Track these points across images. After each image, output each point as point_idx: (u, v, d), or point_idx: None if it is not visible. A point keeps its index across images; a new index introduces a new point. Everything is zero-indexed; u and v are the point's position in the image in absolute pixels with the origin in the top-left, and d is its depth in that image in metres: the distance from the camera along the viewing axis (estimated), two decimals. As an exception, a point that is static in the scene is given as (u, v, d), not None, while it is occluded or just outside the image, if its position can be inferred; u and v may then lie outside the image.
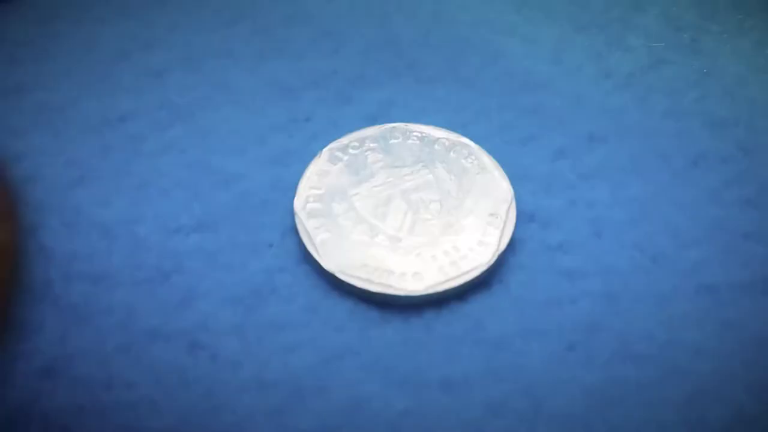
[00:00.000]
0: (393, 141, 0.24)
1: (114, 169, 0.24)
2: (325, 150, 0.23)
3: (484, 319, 0.22)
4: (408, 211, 0.22)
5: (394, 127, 0.24)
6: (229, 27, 0.27)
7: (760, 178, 0.24)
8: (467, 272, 0.21)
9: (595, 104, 0.25)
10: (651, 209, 0.23)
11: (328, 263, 0.22)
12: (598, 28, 0.27)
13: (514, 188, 0.23)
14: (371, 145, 0.24)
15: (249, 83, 0.26)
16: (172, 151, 0.24)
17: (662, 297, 0.22)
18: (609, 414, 0.20)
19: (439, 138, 0.24)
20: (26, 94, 0.25)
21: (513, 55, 0.26)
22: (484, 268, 0.22)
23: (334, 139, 0.24)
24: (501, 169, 0.23)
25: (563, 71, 0.26)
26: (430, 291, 0.21)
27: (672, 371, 0.21)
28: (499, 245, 0.22)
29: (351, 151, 0.23)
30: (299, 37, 0.27)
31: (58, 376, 0.21)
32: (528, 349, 0.21)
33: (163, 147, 0.25)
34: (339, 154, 0.23)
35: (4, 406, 0.20)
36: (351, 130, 0.24)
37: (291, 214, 0.23)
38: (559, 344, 0.21)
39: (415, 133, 0.24)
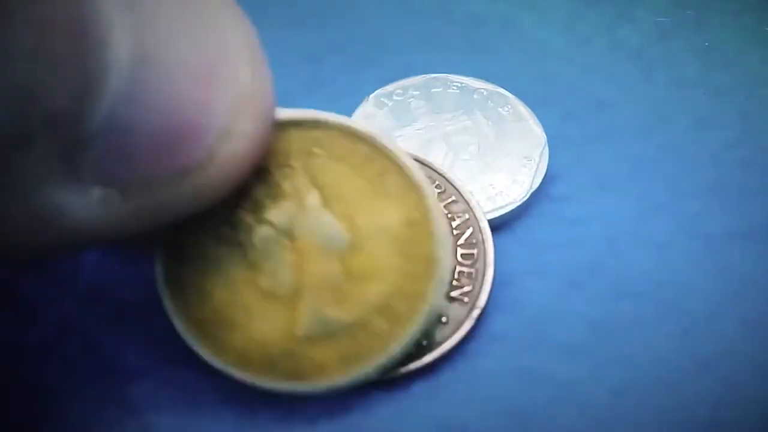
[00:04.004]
0: (434, 90, 0.25)
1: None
2: (371, 96, 0.25)
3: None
4: (448, 152, 0.24)
5: (435, 77, 0.26)
6: (256, -4, 0.28)
7: (759, 141, 0.25)
8: (502, 207, 0.23)
9: (603, 73, 0.27)
10: (653, 167, 0.25)
11: None
12: (608, 3, 0.28)
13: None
14: (414, 93, 0.25)
15: (273, 49, 0.27)
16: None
17: (660, 242, 0.23)
18: (608, 344, 0.22)
19: (477, 88, 0.25)
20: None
21: (526, 26, 0.28)
22: (518, 203, 0.23)
23: (353, 102, 0.25)
24: (535, 118, 0.25)
25: (574, 42, 0.27)
26: None
27: (667, 308, 0.22)
28: (531, 184, 0.24)
29: (395, 97, 0.25)
30: (324, 8, 0.28)
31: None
32: (531, 286, 0.23)
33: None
34: (384, 100, 0.25)
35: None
36: (370, 92, 0.25)
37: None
38: (561, 282, 0.23)
39: (455, 83, 0.26)
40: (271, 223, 0.20)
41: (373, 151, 0.21)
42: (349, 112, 0.25)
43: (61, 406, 0.21)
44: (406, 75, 0.26)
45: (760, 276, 0.23)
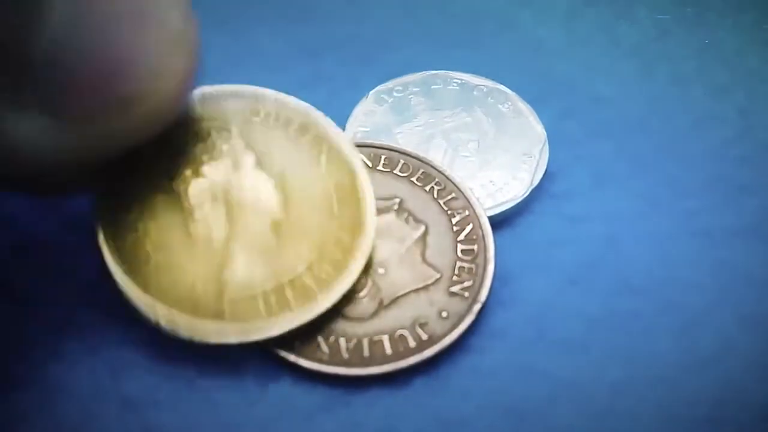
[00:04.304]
0: (434, 86, 0.26)
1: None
2: (371, 92, 0.25)
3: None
4: (448, 148, 0.24)
5: (435, 74, 0.26)
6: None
7: (757, 138, 0.25)
8: (502, 203, 0.23)
9: (603, 70, 0.27)
10: (652, 164, 0.25)
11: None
12: (607, 1, 0.28)
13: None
14: (414, 89, 0.25)
15: (275, 45, 0.27)
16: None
17: (660, 239, 0.23)
18: (607, 340, 0.22)
19: (477, 85, 0.25)
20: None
21: (526, 24, 0.28)
22: (518, 200, 0.24)
23: (353, 98, 0.25)
24: (535, 115, 0.25)
25: (574, 40, 0.27)
26: None
27: (667, 304, 0.22)
28: (532, 181, 0.24)
29: (395, 94, 0.25)
30: (324, 4, 0.28)
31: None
32: (532, 282, 0.23)
33: (190, 102, 0.26)
34: (384, 96, 0.25)
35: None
36: (370, 89, 0.25)
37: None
38: (561, 278, 0.23)
39: (455, 80, 0.26)
40: (207, 177, 0.21)
41: (306, 123, 0.22)
42: (348, 109, 0.25)
43: (61, 405, 0.21)
44: (406, 71, 0.26)
45: (759, 273, 0.23)
